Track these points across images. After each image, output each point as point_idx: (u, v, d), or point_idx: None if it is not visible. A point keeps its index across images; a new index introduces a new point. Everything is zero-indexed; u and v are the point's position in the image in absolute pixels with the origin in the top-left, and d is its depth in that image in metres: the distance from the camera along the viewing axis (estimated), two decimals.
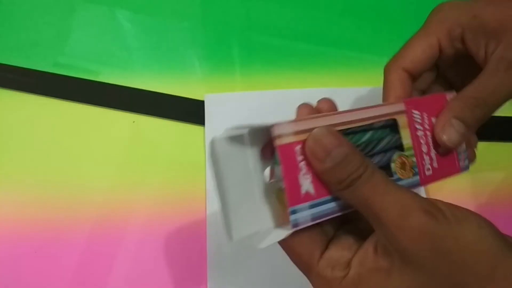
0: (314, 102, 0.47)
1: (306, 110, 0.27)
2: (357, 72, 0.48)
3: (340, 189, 0.23)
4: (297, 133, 0.23)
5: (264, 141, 0.25)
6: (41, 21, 0.51)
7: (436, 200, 0.22)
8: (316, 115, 0.24)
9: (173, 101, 0.46)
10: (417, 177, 0.27)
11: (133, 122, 0.44)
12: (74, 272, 0.37)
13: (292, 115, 0.47)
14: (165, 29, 0.51)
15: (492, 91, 0.28)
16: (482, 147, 0.42)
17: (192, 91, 0.46)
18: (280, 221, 0.25)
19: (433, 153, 0.28)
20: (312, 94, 0.46)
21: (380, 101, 0.31)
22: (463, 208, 0.22)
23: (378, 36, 0.51)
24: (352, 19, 0.53)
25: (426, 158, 0.28)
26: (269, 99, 0.45)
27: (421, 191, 0.39)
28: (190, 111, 0.45)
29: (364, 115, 0.26)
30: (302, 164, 0.23)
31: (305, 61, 0.49)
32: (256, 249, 0.23)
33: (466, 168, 0.30)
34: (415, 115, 0.28)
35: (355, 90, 0.46)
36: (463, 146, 0.30)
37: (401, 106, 0.27)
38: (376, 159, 0.26)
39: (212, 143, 0.24)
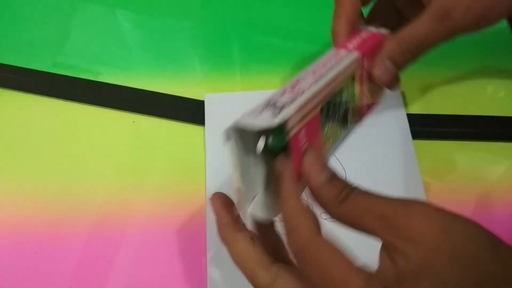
0: None
1: None
2: None
3: (337, 203, 0.22)
4: (301, 119, 0.24)
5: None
6: (41, 21, 0.51)
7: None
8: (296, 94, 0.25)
9: (173, 101, 0.46)
10: (360, 116, 0.31)
11: (133, 122, 0.44)
12: (74, 272, 0.37)
13: None
14: (165, 29, 0.51)
15: (425, 38, 0.31)
16: (482, 147, 0.42)
17: (192, 91, 0.46)
18: None
19: (366, 89, 0.32)
20: None
21: None
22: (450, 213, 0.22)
23: None
24: None
25: (366, 95, 0.31)
26: None
27: (420, 193, 0.39)
28: (190, 111, 0.45)
29: (332, 81, 0.27)
30: (304, 146, 0.24)
31: (305, 61, 0.49)
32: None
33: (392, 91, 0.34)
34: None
35: None
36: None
37: (355, 55, 0.29)
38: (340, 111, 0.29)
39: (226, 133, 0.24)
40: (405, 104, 0.44)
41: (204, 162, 0.41)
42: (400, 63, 0.32)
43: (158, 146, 0.43)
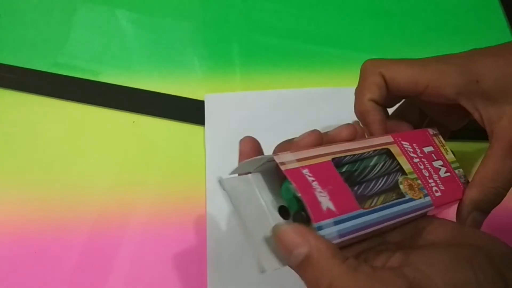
0: (313, 101, 0.47)
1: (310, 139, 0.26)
2: (357, 72, 0.48)
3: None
4: (299, 160, 0.23)
5: (269, 176, 0.25)
6: (41, 21, 0.51)
7: None
8: (313, 148, 0.25)
9: (173, 101, 0.46)
10: (428, 198, 0.27)
11: (133, 122, 0.44)
12: (74, 272, 0.37)
13: (291, 115, 0.47)
14: (165, 29, 0.51)
15: (510, 176, 0.29)
16: (481, 147, 0.42)
17: (192, 91, 0.46)
18: None
19: (435, 177, 0.29)
20: (312, 94, 0.46)
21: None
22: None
23: (378, 36, 0.51)
24: (352, 19, 0.53)
25: (431, 181, 0.28)
26: (269, 99, 0.45)
27: None
28: (190, 111, 0.45)
29: (357, 145, 0.26)
30: (315, 184, 0.23)
31: (305, 61, 0.49)
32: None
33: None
34: (405, 145, 0.29)
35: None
36: (462, 171, 0.31)
37: (389, 138, 0.28)
38: (381, 181, 0.26)
39: (221, 183, 0.24)
40: None
41: (204, 162, 0.41)
42: (489, 209, 0.29)
43: (158, 146, 0.43)
